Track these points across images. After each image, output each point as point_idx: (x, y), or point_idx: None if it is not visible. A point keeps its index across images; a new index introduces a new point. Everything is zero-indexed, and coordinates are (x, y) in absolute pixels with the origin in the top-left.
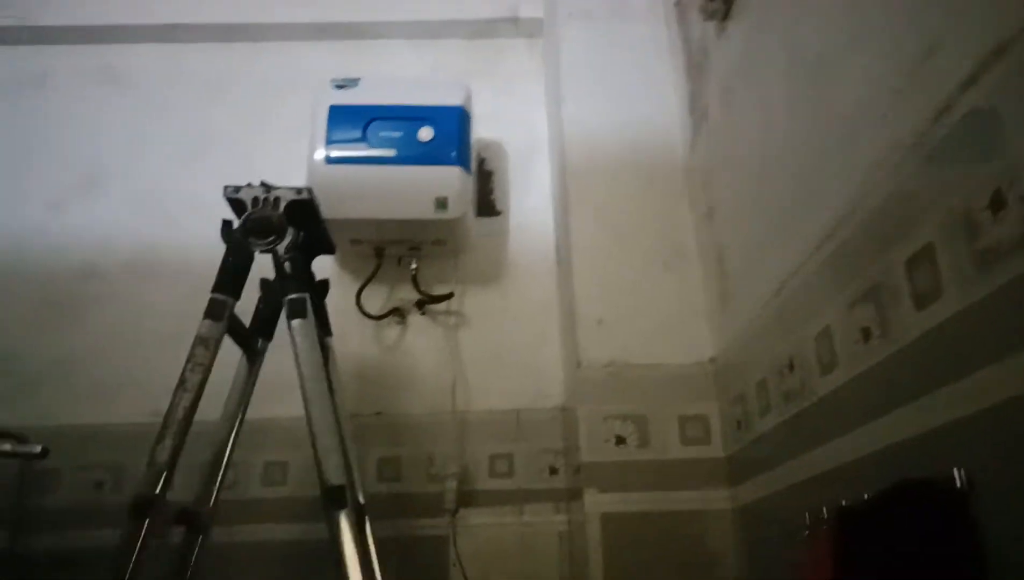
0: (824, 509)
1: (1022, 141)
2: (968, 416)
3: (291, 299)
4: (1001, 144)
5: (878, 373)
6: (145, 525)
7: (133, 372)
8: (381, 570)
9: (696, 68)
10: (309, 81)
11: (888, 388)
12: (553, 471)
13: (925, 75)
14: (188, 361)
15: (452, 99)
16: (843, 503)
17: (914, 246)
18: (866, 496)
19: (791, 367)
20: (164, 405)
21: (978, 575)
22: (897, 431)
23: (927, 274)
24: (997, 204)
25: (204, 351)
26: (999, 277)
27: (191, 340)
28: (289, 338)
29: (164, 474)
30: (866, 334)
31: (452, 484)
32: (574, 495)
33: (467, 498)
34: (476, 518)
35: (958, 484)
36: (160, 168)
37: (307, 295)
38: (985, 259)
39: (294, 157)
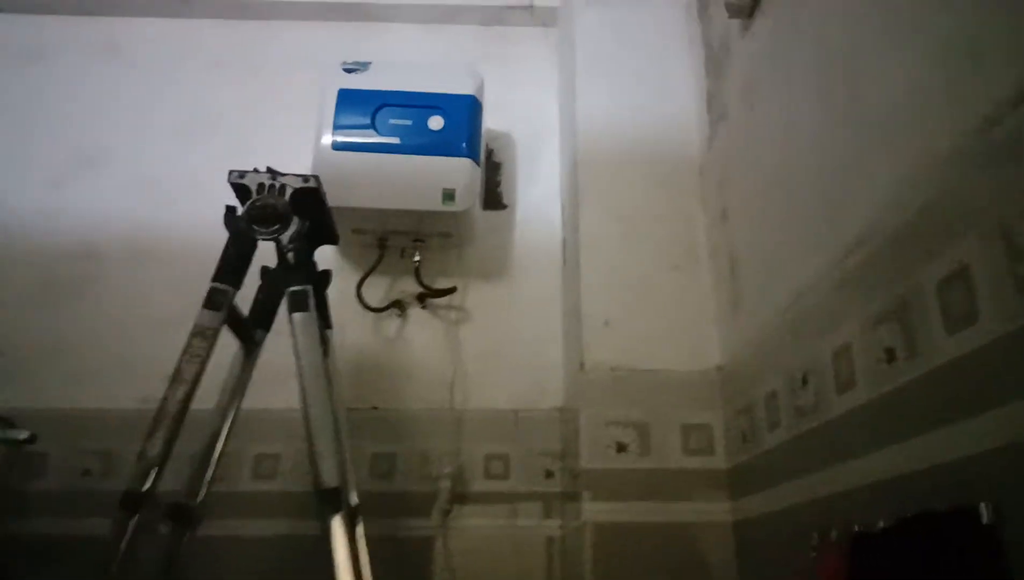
0: (833, 532)
1: None
2: (998, 448)
3: (293, 291)
4: None
5: (901, 397)
6: (134, 521)
7: (126, 356)
8: (372, 570)
9: (716, 65)
10: (317, 63)
11: (911, 413)
12: (549, 474)
13: (969, 82)
14: (185, 352)
15: (464, 87)
16: (856, 528)
17: (948, 265)
18: (881, 523)
19: (805, 382)
20: (156, 391)
21: None
22: (917, 459)
23: (961, 296)
24: None
25: (201, 342)
26: None
27: (187, 325)
28: (288, 327)
29: (155, 469)
30: (890, 355)
31: (446, 484)
32: (569, 500)
33: (461, 498)
34: (468, 519)
35: (984, 519)
36: (162, 147)
37: (310, 288)
38: None
39: (299, 140)
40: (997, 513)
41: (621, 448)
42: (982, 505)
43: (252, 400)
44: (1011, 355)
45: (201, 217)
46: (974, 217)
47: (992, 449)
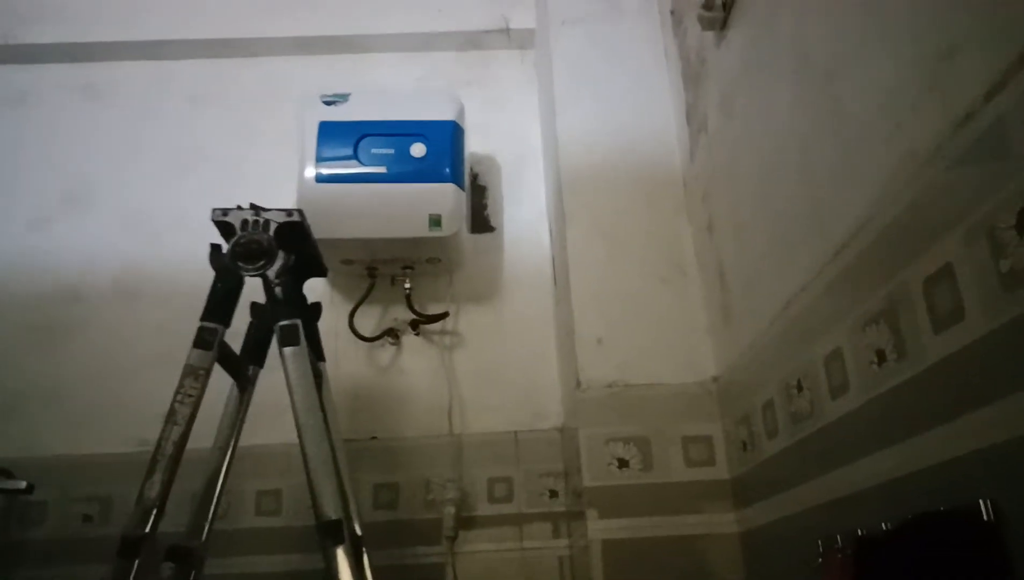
0: (838, 537)
1: None
2: (994, 445)
3: (283, 326)
4: None
5: (894, 398)
6: (135, 566)
7: (120, 399)
8: None
9: (694, 77)
10: (297, 95)
11: (905, 414)
12: (553, 494)
13: (944, 81)
14: (177, 393)
15: (445, 113)
16: (860, 532)
17: (933, 265)
18: (884, 526)
19: (800, 388)
20: (152, 433)
21: None
22: (915, 459)
23: (947, 295)
24: (1023, 223)
25: (194, 382)
26: None
27: (179, 364)
28: (280, 362)
29: (154, 512)
30: (880, 356)
31: (451, 510)
32: (575, 519)
33: (466, 523)
34: (475, 544)
35: (985, 516)
36: (146, 186)
37: (299, 321)
38: (1011, 281)
39: (282, 173)
40: (996, 510)
41: (623, 464)
42: (981, 502)
43: (250, 437)
44: (999, 351)
45: (188, 254)
46: (956, 215)
47: (988, 446)
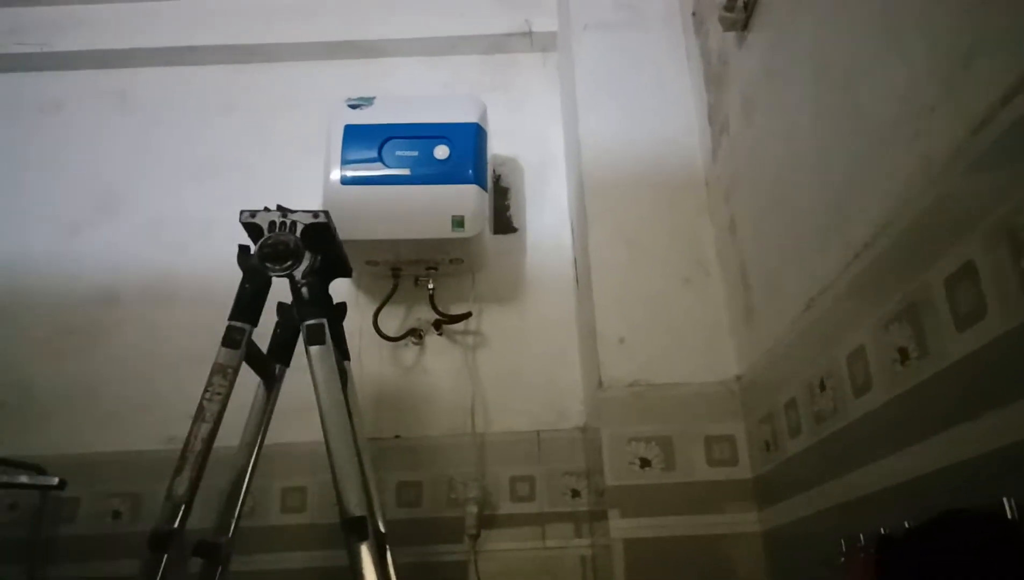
0: (861, 536)
1: None
2: (1017, 443)
3: (309, 325)
4: None
5: (917, 396)
6: (164, 560)
7: (150, 399)
8: None
9: (715, 79)
10: (323, 100)
11: (928, 412)
12: (575, 494)
13: (963, 85)
14: (206, 390)
15: (467, 116)
16: (883, 531)
17: (954, 264)
18: (907, 525)
19: (823, 387)
20: (181, 432)
21: None
22: (938, 458)
23: (969, 293)
24: None
25: (222, 380)
26: None
27: (208, 364)
28: (307, 362)
29: (183, 507)
30: (903, 355)
31: (473, 508)
32: (597, 518)
33: (488, 522)
34: (497, 543)
35: (1008, 515)
36: (174, 191)
37: (325, 321)
38: None
39: (310, 177)
40: (1020, 508)
41: (645, 464)
42: (1005, 501)
43: (277, 435)
44: (1020, 348)
45: (216, 257)
46: (977, 215)
47: (1010, 444)
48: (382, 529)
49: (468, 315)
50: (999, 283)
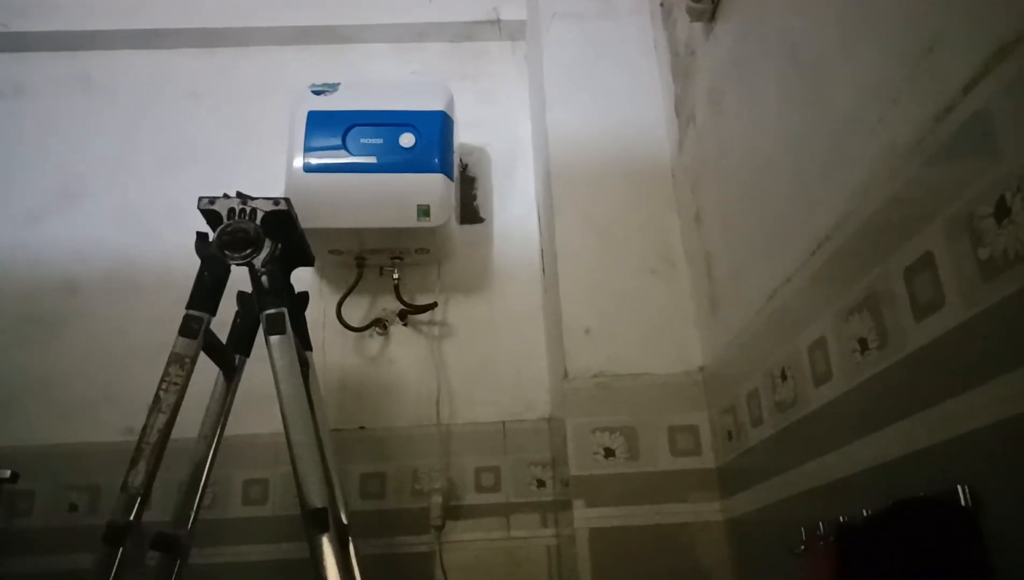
0: (821, 524)
1: None
2: (972, 431)
3: (269, 314)
4: (1006, 149)
5: (875, 385)
6: (119, 554)
7: (110, 389)
8: None
9: (682, 70)
10: (292, 87)
11: (886, 401)
12: (541, 484)
13: (924, 76)
14: (162, 381)
15: (434, 104)
16: (842, 519)
17: (913, 254)
18: (865, 512)
19: (784, 377)
20: (140, 423)
21: None
22: (896, 446)
23: (927, 283)
24: (1001, 212)
25: (179, 370)
26: (1005, 288)
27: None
28: (268, 353)
29: (139, 499)
30: (863, 345)
31: (438, 499)
32: (562, 508)
33: (453, 513)
34: (462, 533)
35: (962, 502)
36: (140, 178)
37: (285, 310)
38: (989, 269)
39: (276, 165)
40: (974, 496)
41: (609, 453)
42: (959, 488)
43: (238, 426)
44: (978, 338)
45: (181, 246)
46: (937, 204)
47: (967, 432)
48: (344, 521)
49: (434, 305)
50: (957, 273)
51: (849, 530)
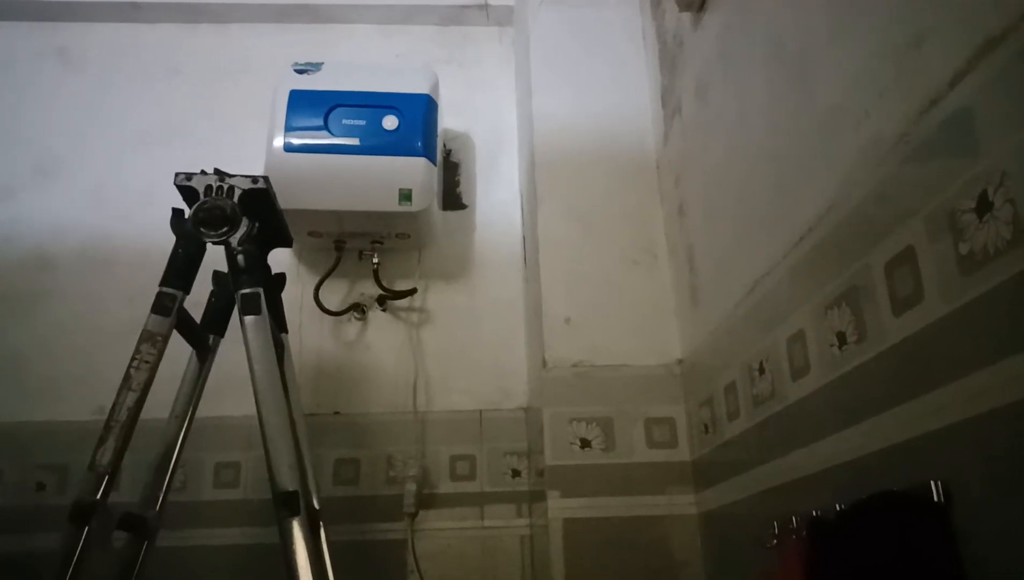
0: (794, 518)
1: (1010, 141)
2: (947, 427)
3: (244, 294)
4: (988, 144)
5: (852, 380)
6: (85, 532)
7: (81, 368)
8: (340, 575)
9: (670, 60)
10: (273, 66)
11: (862, 396)
12: (516, 474)
13: (910, 70)
14: (133, 358)
15: (418, 87)
16: (814, 513)
17: (894, 248)
18: (838, 507)
19: (761, 371)
20: (111, 402)
21: None
22: (870, 441)
23: (907, 278)
24: (983, 207)
25: (151, 348)
26: (984, 283)
27: None
28: (242, 333)
29: (106, 478)
30: (841, 339)
31: (412, 487)
32: (537, 498)
33: (427, 501)
34: (436, 522)
35: (935, 497)
36: (115, 155)
37: (261, 290)
38: (969, 264)
39: (256, 144)
40: (946, 491)
41: (585, 444)
42: (932, 483)
43: (211, 408)
44: (956, 332)
45: (157, 225)
46: (919, 199)
47: (942, 427)
48: (316, 505)
49: (413, 291)
50: (937, 268)
51: (821, 524)
